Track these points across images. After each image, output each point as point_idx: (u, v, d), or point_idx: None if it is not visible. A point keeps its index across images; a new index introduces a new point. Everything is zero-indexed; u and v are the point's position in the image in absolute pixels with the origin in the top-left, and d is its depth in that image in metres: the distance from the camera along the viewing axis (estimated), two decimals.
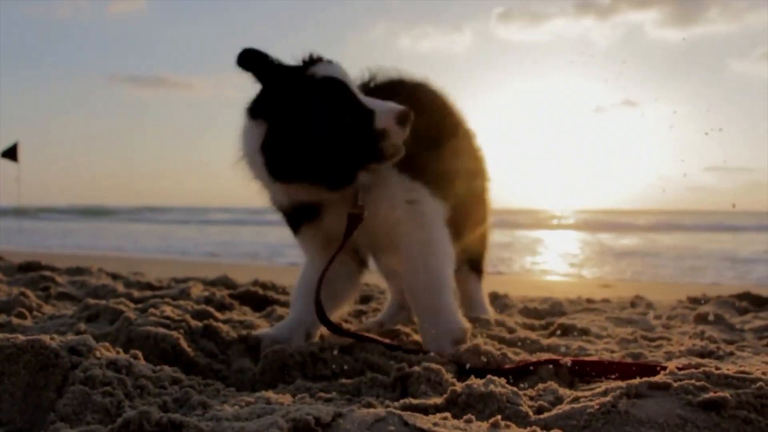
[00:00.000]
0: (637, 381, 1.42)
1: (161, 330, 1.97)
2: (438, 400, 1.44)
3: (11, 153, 14.22)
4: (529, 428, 1.26)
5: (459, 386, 1.45)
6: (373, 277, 2.68)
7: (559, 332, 2.62)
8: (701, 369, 1.50)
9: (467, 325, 2.13)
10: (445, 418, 1.30)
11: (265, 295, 3.18)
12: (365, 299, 3.44)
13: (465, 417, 1.32)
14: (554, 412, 1.37)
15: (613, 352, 2.22)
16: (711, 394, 1.33)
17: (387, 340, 2.10)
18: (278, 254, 9.77)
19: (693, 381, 1.41)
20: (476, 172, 2.55)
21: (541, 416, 1.36)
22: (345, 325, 2.47)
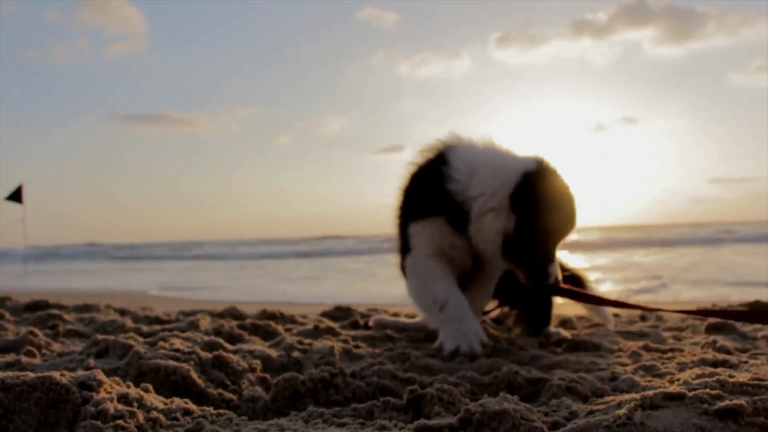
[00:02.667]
0: (651, 393, 1.41)
1: (171, 362, 1.96)
2: (452, 420, 1.43)
3: (16, 195, 14.31)
4: None
5: (472, 405, 1.44)
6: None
7: (570, 348, 2.61)
8: (715, 378, 1.49)
9: None
10: None
11: (273, 324, 3.17)
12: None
13: None
14: (569, 426, 1.35)
15: (625, 365, 2.21)
16: (727, 402, 1.32)
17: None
18: (277, 287, 9.77)
19: (708, 390, 1.40)
20: None
21: (557, 431, 1.35)
22: (356, 351, 2.46)
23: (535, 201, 2.40)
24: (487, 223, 2.42)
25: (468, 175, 2.48)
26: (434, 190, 2.53)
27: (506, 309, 3.23)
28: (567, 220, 2.50)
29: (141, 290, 9.42)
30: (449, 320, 2.45)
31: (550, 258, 2.52)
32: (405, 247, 2.67)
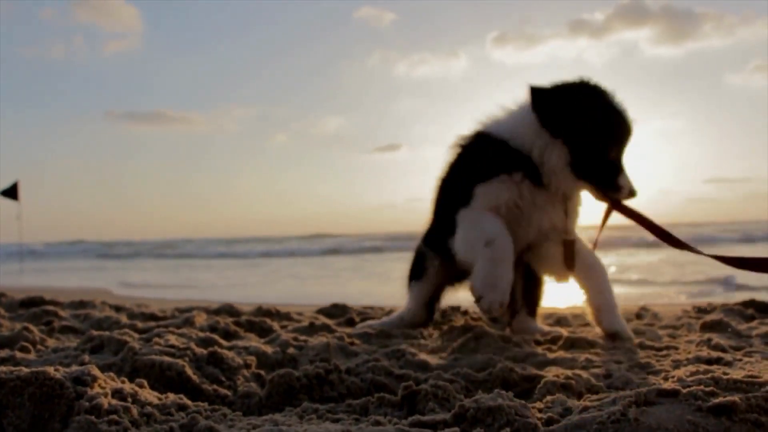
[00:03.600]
0: (645, 389, 1.41)
1: (166, 358, 1.96)
2: (446, 416, 1.43)
3: (12, 192, 14.29)
4: None
5: (467, 401, 1.44)
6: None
7: (565, 346, 2.61)
8: (709, 374, 1.49)
9: None
10: None
11: (269, 321, 3.17)
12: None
13: (474, 431, 1.31)
14: (563, 422, 1.36)
15: (620, 362, 2.21)
16: (720, 399, 1.33)
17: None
18: (274, 285, 9.77)
19: (702, 387, 1.41)
20: None
21: (551, 427, 1.36)
22: (351, 348, 2.46)
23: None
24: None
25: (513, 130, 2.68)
26: (493, 152, 2.68)
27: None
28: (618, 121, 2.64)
29: (136, 287, 9.40)
30: (489, 258, 2.49)
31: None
32: (451, 212, 2.75)
